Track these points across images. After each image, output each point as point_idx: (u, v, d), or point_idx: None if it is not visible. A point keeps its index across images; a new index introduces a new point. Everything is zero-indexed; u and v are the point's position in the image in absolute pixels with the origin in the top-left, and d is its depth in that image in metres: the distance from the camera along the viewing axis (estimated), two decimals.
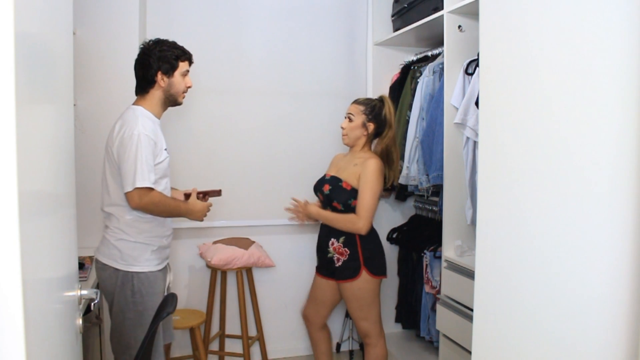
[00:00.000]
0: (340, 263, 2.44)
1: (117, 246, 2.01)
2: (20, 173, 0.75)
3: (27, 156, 0.81)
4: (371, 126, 2.46)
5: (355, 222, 2.37)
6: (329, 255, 2.47)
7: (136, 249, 2.02)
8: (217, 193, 2.34)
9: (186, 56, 2.12)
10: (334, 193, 2.44)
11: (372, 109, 2.46)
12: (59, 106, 1.13)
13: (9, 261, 0.75)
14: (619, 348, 0.92)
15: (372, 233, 2.46)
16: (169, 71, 2.07)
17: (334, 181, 2.47)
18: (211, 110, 3.07)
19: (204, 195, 2.27)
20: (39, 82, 0.95)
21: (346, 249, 2.42)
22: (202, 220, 2.20)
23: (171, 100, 2.13)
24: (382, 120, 2.46)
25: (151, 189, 1.97)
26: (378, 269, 2.43)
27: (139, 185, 1.93)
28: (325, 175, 2.56)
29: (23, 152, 0.77)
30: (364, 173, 2.37)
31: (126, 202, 1.99)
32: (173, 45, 2.10)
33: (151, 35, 2.93)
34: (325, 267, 2.53)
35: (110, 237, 2.03)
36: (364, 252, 2.41)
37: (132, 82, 2.94)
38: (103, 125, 2.76)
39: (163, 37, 2.14)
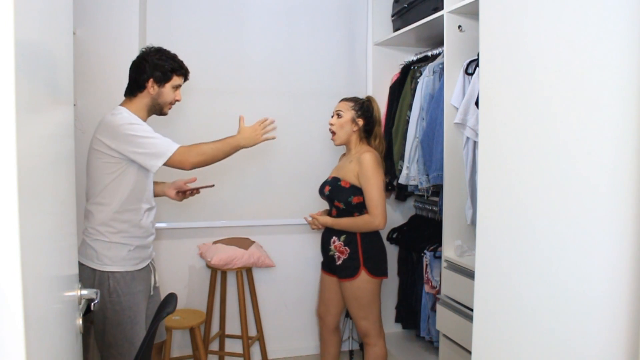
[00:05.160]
0: (340, 261, 2.44)
1: (93, 246, 2.00)
2: (20, 172, 0.75)
3: (27, 156, 0.81)
4: (361, 121, 2.46)
5: (370, 222, 2.38)
6: (330, 253, 2.49)
7: (111, 249, 2.01)
8: (210, 186, 2.39)
9: (182, 71, 2.12)
10: (334, 193, 2.45)
11: (361, 105, 2.49)
12: (59, 106, 1.13)
13: (9, 261, 0.75)
14: (619, 348, 0.92)
15: (374, 233, 2.46)
16: (161, 81, 2.07)
17: (334, 182, 2.49)
18: (211, 110, 3.07)
19: (193, 190, 2.33)
20: (39, 82, 0.95)
21: (346, 247, 2.43)
22: (261, 139, 2.22)
23: (157, 109, 2.13)
24: (370, 116, 2.48)
25: (181, 147, 2.02)
26: (378, 270, 2.43)
27: (169, 153, 1.98)
28: (327, 178, 2.57)
29: (23, 152, 0.77)
30: (362, 170, 2.37)
31: (105, 201, 1.99)
32: (172, 57, 2.10)
33: (151, 35, 2.96)
34: (328, 264, 2.56)
35: (87, 237, 2.03)
36: (364, 252, 2.41)
37: None
38: None
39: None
